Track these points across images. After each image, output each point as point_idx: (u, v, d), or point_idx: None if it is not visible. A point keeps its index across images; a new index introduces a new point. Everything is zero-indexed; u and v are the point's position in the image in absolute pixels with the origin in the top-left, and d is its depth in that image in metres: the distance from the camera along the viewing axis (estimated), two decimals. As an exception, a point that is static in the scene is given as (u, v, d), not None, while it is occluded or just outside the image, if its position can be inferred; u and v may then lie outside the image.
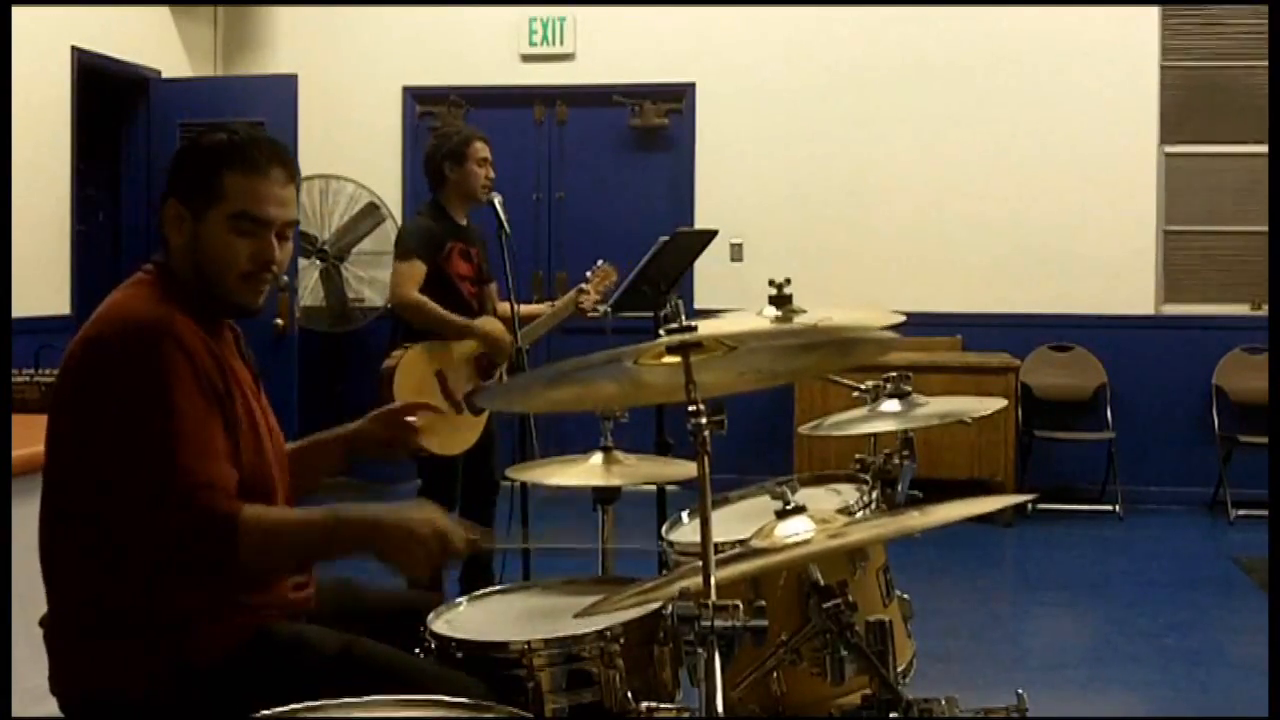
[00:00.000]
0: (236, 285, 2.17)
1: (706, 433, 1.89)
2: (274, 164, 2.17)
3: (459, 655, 2.16)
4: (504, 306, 4.78)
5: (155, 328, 2.04)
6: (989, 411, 2.81)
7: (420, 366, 4.56)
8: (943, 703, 2.05)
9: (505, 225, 4.52)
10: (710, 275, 7.61)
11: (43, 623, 2.15)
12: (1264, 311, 7.56)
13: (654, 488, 4.09)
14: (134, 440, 2.00)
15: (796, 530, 2.11)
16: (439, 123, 7.89)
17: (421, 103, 8.22)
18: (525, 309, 4.87)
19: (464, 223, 4.75)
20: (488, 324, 4.65)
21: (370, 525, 2.09)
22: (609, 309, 4.60)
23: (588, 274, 4.81)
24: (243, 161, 2.15)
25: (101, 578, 2.05)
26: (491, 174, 4.70)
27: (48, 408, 2.15)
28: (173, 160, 2.23)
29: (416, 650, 2.21)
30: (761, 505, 2.58)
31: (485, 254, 4.80)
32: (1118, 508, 7.26)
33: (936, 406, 2.76)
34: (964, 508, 2.05)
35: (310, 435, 2.53)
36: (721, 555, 2.11)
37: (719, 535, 2.09)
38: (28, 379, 3.98)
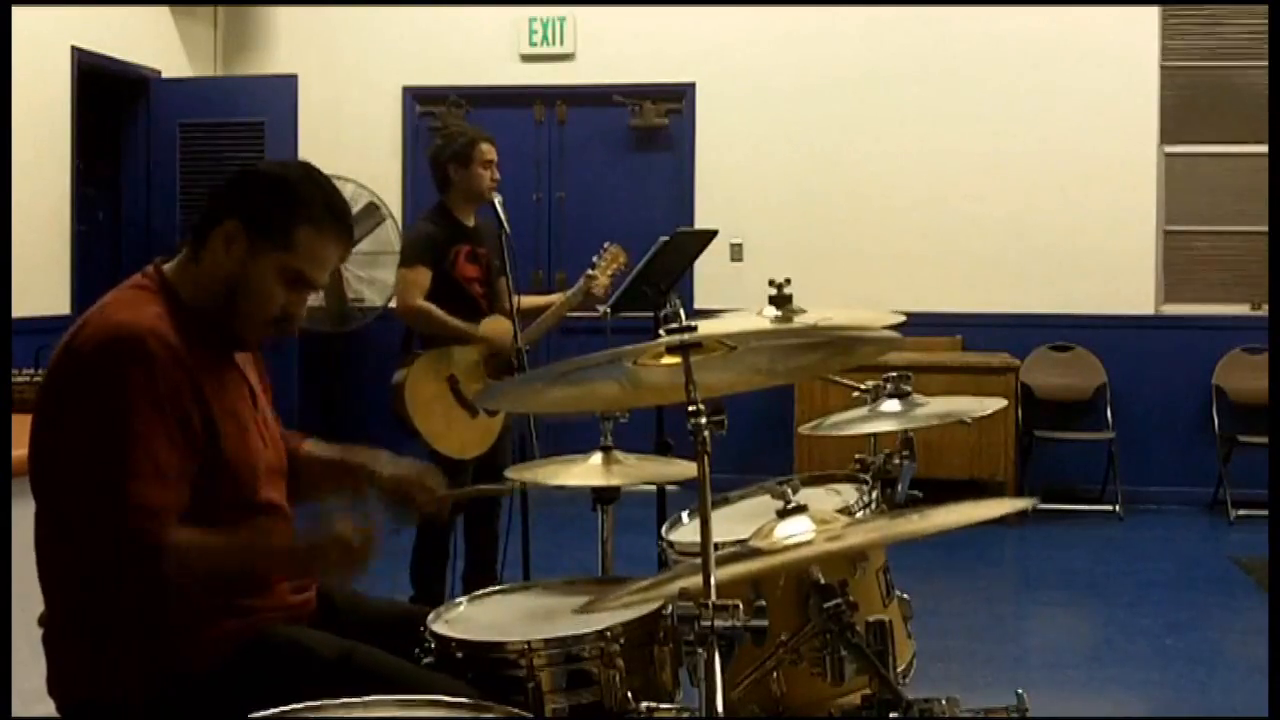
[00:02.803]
0: (260, 329, 2.17)
1: (706, 433, 1.89)
2: (346, 233, 2.18)
3: (459, 655, 2.16)
4: (527, 300, 4.78)
5: (128, 341, 2.01)
6: (989, 411, 2.80)
7: (430, 375, 4.55)
8: (943, 703, 2.05)
9: (505, 225, 4.51)
10: (710, 275, 7.61)
11: (41, 620, 2.15)
12: (1264, 311, 7.56)
13: (654, 488, 4.09)
14: (85, 459, 2.00)
15: (796, 530, 2.11)
16: (439, 123, 7.89)
17: (421, 103, 8.22)
18: (533, 300, 4.86)
19: (471, 223, 4.72)
20: (490, 326, 4.63)
21: (286, 551, 2.15)
22: (609, 309, 4.58)
23: (594, 258, 4.75)
24: (321, 222, 2.13)
25: (97, 580, 2.04)
26: (497, 175, 4.67)
27: (35, 404, 2.14)
28: (249, 181, 2.18)
29: (416, 650, 2.21)
30: (761, 505, 2.58)
31: (495, 250, 4.74)
32: (1118, 508, 7.26)
33: (936, 406, 2.75)
34: (962, 514, 2.04)
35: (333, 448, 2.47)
36: (721, 555, 2.11)
37: (719, 535, 2.09)
38: (28, 379, 3.97)
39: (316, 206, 2.13)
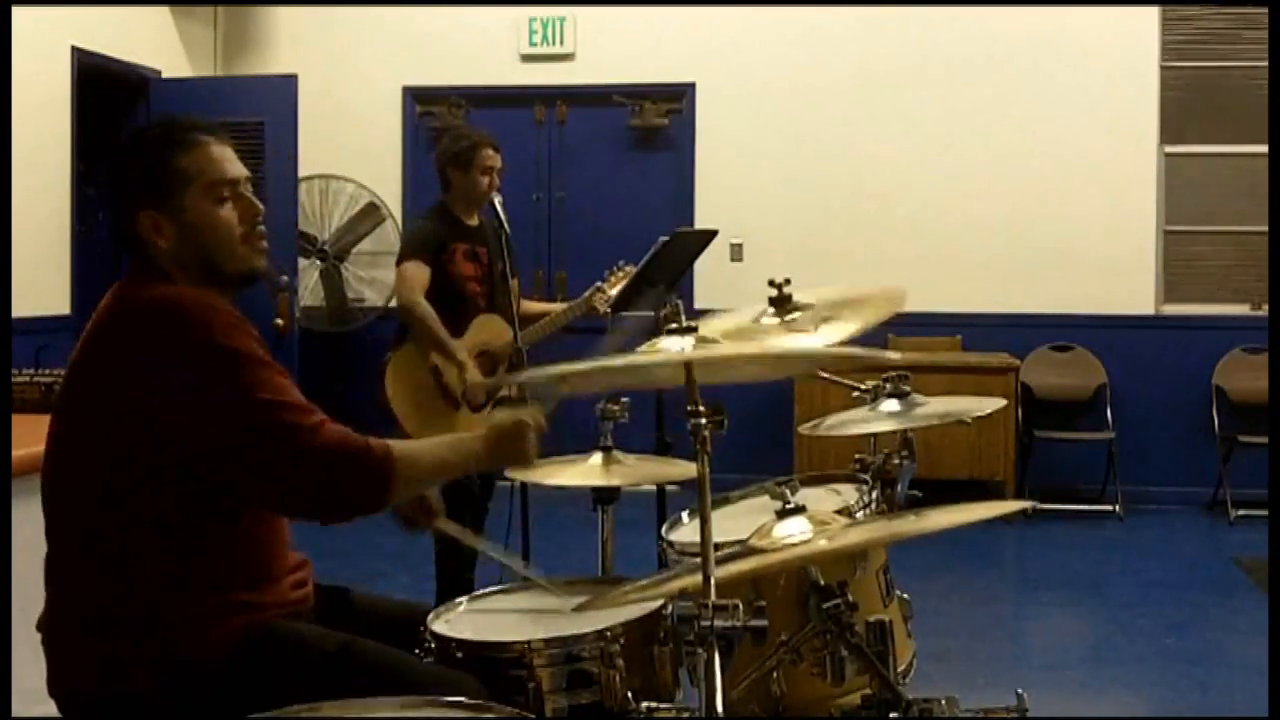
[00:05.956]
0: (241, 251, 2.20)
1: (706, 433, 1.89)
2: (204, 132, 2.22)
3: (459, 655, 2.16)
4: (529, 305, 4.80)
5: (202, 299, 2.07)
6: (989, 411, 2.80)
7: (414, 364, 4.55)
8: (943, 703, 2.05)
9: (505, 225, 4.51)
10: (710, 275, 7.61)
11: (39, 625, 2.15)
12: (1264, 311, 7.57)
13: (654, 488, 4.09)
14: (239, 394, 2.00)
15: (796, 530, 2.11)
16: (439, 123, 7.90)
17: (421, 103, 8.22)
18: (536, 307, 4.88)
19: (473, 223, 4.72)
20: (481, 326, 4.61)
21: (481, 440, 2.29)
22: (609, 309, 4.59)
23: (606, 273, 4.77)
24: (183, 142, 2.18)
25: (101, 576, 2.05)
26: (498, 182, 4.65)
27: (54, 405, 2.13)
28: (117, 177, 2.20)
29: (416, 651, 2.21)
30: (761, 505, 2.58)
31: (499, 252, 4.72)
32: (1118, 508, 7.26)
33: (936, 406, 2.75)
34: (961, 514, 2.04)
35: None
36: (721, 555, 2.11)
37: (719, 535, 2.09)
38: (28, 379, 3.97)
39: (170, 136, 2.18)
